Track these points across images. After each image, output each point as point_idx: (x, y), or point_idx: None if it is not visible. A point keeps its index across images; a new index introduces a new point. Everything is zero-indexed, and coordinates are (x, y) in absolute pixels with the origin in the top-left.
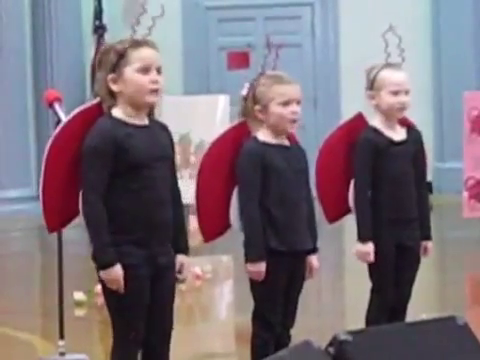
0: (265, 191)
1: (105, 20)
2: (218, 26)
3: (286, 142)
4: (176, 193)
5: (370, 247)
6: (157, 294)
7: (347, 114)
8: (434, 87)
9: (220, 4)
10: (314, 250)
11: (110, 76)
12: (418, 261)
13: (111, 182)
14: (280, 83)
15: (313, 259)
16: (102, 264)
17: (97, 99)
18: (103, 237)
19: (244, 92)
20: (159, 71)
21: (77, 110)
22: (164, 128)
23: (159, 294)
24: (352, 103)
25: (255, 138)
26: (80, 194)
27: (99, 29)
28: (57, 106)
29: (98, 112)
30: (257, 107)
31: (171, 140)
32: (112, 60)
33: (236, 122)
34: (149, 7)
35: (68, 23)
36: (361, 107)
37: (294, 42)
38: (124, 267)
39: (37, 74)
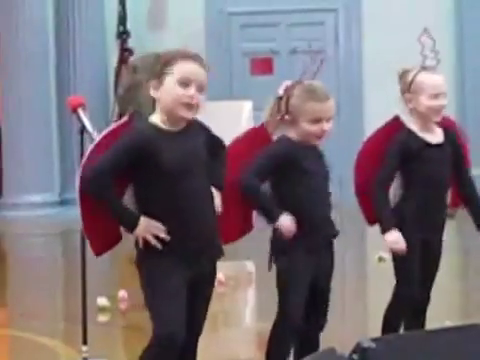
0: (294, 189)
1: (129, 25)
2: (241, 32)
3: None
4: (212, 199)
5: (396, 235)
6: (195, 297)
7: (370, 121)
8: (457, 93)
9: (243, 10)
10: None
11: (153, 82)
12: (438, 265)
13: (147, 190)
14: (314, 100)
15: None
16: (129, 227)
17: (127, 116)
18: (116, 204)
19: (280, 92)
20: (200, 89)
21: (107, 130)
22: (202, 128)
23: (196, 299)
24: (375, 110)
25: (287, 137)
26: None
27: (123, 34)
28: (81, 112)
29: (128, 129)
30: (287, 117)
31: (209, 137)
32: (158, 67)
33: (256, 125)
34: (173, 12)
35: (92, 28)
36: (384, 113)
37: (317, 48)
38: (166, 268)
39: (60, 79)
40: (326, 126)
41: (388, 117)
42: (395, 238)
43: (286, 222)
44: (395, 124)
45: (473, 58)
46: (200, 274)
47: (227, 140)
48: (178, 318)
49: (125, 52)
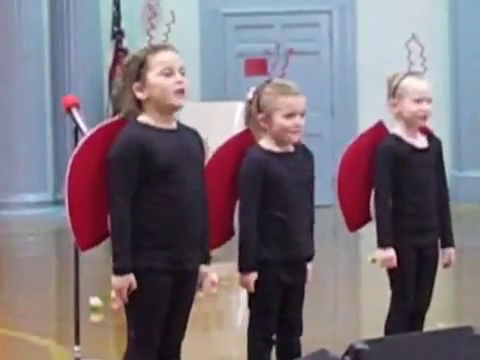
0: (267, 200)
1: (123, 26)
2: (236, 33)
3: (291, 149)
4: (206, 199)
5: (391, 252)
6: (177, 299)
7: (364, 122)
8: (452, 96)
9: (238, 11)
10: (310, 258)
11: (135, 84)
12: (436, 268)
13: (141, 186)
14: (286, 94)
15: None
16: (116, 269)
17: (120, 115)
18: (123, 243)
19: (250, 96)
20: (182, 72)
21: (98, 126)
22: (194, 132)
23: (179, 299)
24: (369, 111)
25: (259, 146)
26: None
27: (117, 35)
28: (75, 111)
29: (121, 127)
30: (260, 115)
31: (201, 144)
32: (134, 69)
33: (240, 130)
34: (165, 14)
35: (86, 28)
36: (378, 115)
37: (312, 50)
38: (149, 271)
39: (55, 79)
40: (300, 120)
41: (383, 118)
42: (389, 256)
43: (249, 281)
44: (379, 129)
45: (468, 59)
46: (183, 278)
47: (222, 141)
48: (159, 325)
49: (120, 52)
